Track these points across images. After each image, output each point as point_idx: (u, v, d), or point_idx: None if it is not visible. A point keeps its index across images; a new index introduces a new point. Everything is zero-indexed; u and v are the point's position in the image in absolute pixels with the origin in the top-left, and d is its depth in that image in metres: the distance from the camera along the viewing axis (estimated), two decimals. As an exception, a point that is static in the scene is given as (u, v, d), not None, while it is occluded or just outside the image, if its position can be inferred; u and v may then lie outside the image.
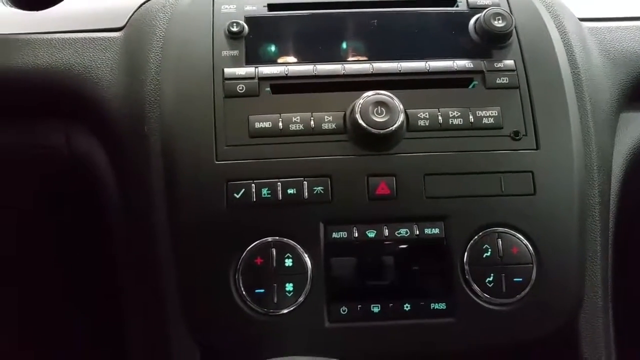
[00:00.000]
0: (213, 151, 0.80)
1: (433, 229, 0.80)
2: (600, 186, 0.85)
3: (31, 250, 0.94)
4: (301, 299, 0.78)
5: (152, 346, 0.82)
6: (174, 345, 0.79)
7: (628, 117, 0.91)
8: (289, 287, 0.78)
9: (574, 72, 0.86)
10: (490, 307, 0.79)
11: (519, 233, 0.80)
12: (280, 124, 0.81)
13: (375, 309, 0.79)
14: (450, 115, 0.82)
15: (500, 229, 0.80)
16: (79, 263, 0.94)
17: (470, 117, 0.82)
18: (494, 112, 0.83)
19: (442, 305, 0.79)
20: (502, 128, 0.82)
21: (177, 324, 0.79)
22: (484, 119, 0.82)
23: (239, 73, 0.83)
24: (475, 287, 0.79)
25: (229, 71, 0.83)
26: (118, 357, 0.86)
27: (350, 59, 0.86)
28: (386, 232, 0.80)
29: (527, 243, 0.80)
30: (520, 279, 0.79)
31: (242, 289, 0.77)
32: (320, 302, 0.78)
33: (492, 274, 0.79)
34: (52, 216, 0.93)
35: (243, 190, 0.79)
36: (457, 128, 0.82)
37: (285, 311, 0.77)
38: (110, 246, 0.86)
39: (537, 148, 0.82)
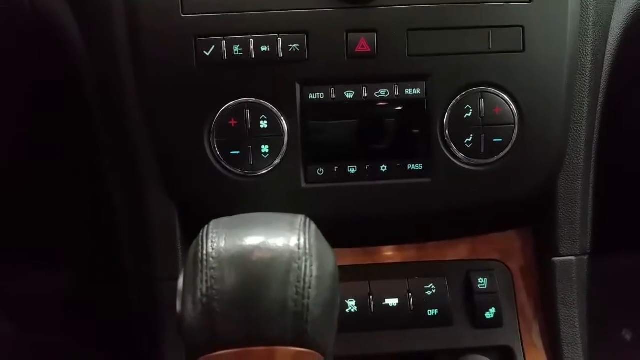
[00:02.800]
0: (179, 2, 0.75)
1: (414, 89, 0.77)
2: (595, 43, 0.81)
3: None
4: (277, 160, 0.77)
5: (130, 203, 0.82)
6: (151, 203, 0.80)
7: None
8: (265, 149, 0.77)
9: None
10: (467, 167, 0.78)
11: (503, 92, 0.77)
12: None
13: (352, 170, 0.79)
14: None
15: (484, 88, 0.77)
16: (54, 128, 0.92)
17: None
18: None
19: (418, 166, 0.79)
20: None
21: (153, 183, 0.79)
22: None
23: None
24: (453, 147, 0.78)
25: None
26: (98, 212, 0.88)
27: None
28: (365, 93, 0.77)
29: (511, 103, 0.77)
30: (500, 140, 0.78)
31: (217, 150, 0.76)
32: (296, 163, 0.78)
33: (471, 135, 0.77)
34: (19, 78, 0.89)
35: (213, 47, 0.75)
36: None
37: (261, 172, 0.77)
38: (83, 107, 0.84)
39: (530, 0, 0.77)
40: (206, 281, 0.54)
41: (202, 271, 0.55)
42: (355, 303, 0.82)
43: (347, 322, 0.80)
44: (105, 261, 0.94)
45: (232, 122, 0.76)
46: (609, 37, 0.83)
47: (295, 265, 0.55)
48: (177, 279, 0.60)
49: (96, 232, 0.94)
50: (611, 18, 0.83)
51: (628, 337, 1.25)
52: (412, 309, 0.82)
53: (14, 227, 0.97)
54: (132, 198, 0.82)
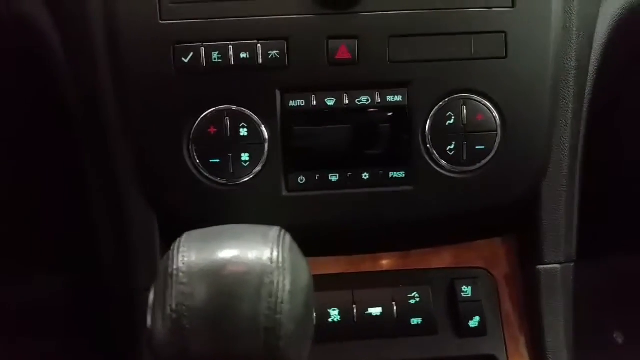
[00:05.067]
0: (157, 9, 0.74)
1: (396, 96, 0.76)
2: (579, 50, 0.80)
3: None
4: (258, 168, 0.76)
5: (111, 211, 0.81)
6: (131, 212, 0.79)
7: None
8: (245, 157, 0.76)
9: None
10: (450, 175, 0.77)
11: (485, 99, 0.77)
12: None
13: (334, 178, 0.78)
14: None
15: (466, 95, 0.76)
16: (33, 135, 0.91)
17: None
18: None
19: (401, 174, 0.78)
20: None
21: (133, 191, 0.78)
22: None
23: None
24: (435, 155, 0.77)
25: None
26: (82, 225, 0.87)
27: None
28: (346, 100, 0.76)
29: (494, 110, 0.77)
30: (483, 147, 0.77)
31: (196, 158, 0.76)
32: (277, 171, 0.77)
33: (453, 142, 0.77)
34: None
35: (191, 53, 0.74)
36: None
37: (242, 181, 0.76)
38: (62, 114, 0.83)
39: (513, 6, 0.76)
40: (176, 296, 0.53)
41: (171, 286, 0.54)
42: (339, 312, 0.81)
43: (330, 332, 0.80)
44: (87, 270, 0.93)
45: (212, 130, 0.75)
46: (594, 43, 0.82)
47: (268, 280, 0.54)
48: None
49: (77, 241, 0.93)
50: (596, 23, 0.82)
51: (620, 340, 1.24)
52: (396, 317, 0.81)
53: None
54: (113, 206, 0.81)
